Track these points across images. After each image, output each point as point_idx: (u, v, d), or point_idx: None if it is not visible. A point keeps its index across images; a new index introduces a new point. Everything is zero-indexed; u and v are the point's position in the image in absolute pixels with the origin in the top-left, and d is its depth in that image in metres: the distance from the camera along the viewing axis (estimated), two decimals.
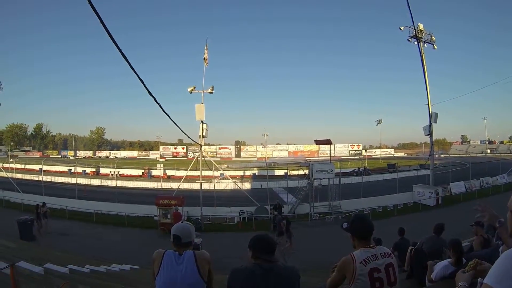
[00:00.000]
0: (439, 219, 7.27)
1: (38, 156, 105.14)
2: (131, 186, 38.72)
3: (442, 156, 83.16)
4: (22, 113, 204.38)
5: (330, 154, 35.93)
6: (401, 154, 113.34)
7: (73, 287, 6.06)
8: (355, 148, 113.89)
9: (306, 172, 26.05)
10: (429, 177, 27.44)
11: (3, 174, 34.25)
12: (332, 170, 23.68)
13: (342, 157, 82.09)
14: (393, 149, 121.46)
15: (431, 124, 26.99)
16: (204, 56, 23.51)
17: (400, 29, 26.86)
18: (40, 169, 39.47)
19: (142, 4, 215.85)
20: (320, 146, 30.63)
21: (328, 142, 27.02)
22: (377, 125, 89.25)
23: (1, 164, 39.15)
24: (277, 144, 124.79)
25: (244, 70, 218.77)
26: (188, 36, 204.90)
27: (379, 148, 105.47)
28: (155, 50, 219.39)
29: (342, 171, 28.81)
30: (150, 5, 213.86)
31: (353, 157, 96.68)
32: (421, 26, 26.98)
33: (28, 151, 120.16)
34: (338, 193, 24.12)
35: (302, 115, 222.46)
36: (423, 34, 27.23)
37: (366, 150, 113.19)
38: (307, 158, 71.90)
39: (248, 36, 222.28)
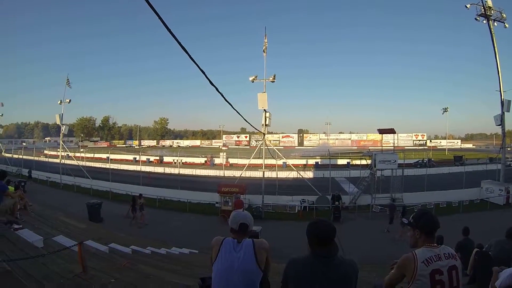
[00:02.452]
0: (509, 220, 6.49)
1: (106, 146, 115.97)
2: (194, 173, 40.54)
3: None
4: (91, 107, 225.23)
5: (394, 144, 34.47)
6: (469, 145, 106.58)
7: (134, 266, 6.35)
8: (420, 138, 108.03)
9: (369, 162, 25.94)
10: (500, 172, 25.23)
11: (74, 162, 37.90)
12: (395, 161, 23.00)
13: (406, 147, 79.08)
14: (460, 140, 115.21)
15: (503, 113, 24.65)
16: (264, 46, 23.82)
17: (467, 7, 24.44)
18: (108, 157, 42.91)
19: None
20: (383, 135, 30.12)
21: (391, 131, 26.11)
22: (443, 113, 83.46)
23: (73, 153, 43.38)
24: (339, 132, 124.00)
25: (307, 58, 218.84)
26: (250, 25, 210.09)
27: (445, 138, 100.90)
28: (217, 40, 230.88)
29: (405, 162, 27.55)
30: None
31: (417, 147, 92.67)
32: (489, 2, 24.25)
33: (97, 141, 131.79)
34: (400, 185, 23.47)
35: (366, 104, 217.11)
36: (492, 12, 24.44)
37: (431, 141, 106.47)
38: (370, 148, 72.10)
39: (310, 25, 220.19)
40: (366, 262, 9.63)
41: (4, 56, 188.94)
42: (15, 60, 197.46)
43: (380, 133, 28.57)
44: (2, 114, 53.49)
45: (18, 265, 3.81)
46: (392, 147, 30.79)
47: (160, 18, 4.00)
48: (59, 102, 35.64)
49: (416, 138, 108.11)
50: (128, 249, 8.39)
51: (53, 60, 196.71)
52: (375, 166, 22.74)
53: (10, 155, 51.21)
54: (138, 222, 17.67)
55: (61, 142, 38.48)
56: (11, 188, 9.94)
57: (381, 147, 30.53)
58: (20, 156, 43.12)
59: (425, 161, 46.00)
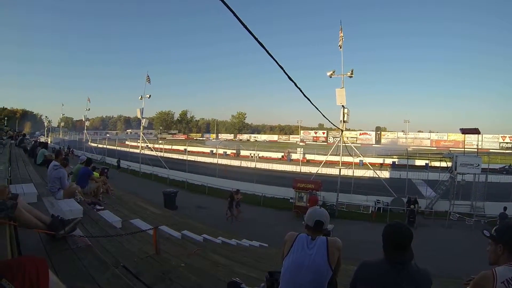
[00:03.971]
0: None
1: (183, 138, 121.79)
2: (270, 168, 41.52)
3: None
4: (170, 102, 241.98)
5: (477, 145, 31.25)
6: None
7: (205, 254, 6.63)
8: (507, 140, 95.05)
9: (449, 164, 24.26)
10: None
11: (153, 153, 41.10)
12: (478, 165, 21.07)
13: (491, 150, 70.86)
14: None
15: None
16: (340, 41, 23.91)
17: None
18: (185, 149, 45.28)
19: None
20: (466, 136, 28.83)
21: (475, 131, 24.19)
22: None
23: (152, 145, 46.89)
24: (418, 131, 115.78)
25: (385, 52, 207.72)
26: (325, 20, 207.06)
27: None
28: (294, 36, 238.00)
29: (489, 167, 24.98)
30: None
31: (504, 151, 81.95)
32: None
33: (175, 134, 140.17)
34: (483, 192, 21.50)
35: (446, 99, 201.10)
36: None
37: None
38: (450, 149, 68.10)
39: (387, 19, 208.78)
40: (438, 275, 9.01)
41: (90, 55, 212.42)
42: (100, 58, 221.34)
43: (462, 133, 26.71)
44: (89, 109, 62.72)
45: (98, 241, 4.21)
46: (476, 149, 28.42)
47: (236, 16, 4.11)
48: (140, 97, 39.02)
49: (503, 140, 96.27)
50: (199, 237, 8.81)
51: (135, 57, 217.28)
52: (455, 170, 21.25)
53: (95, 145, 57.97)
54: (235, 218, 17.97)
55: (141, 134, 41.88)
56: (96, 174, 11.07)
57: (463, 149, 28.47)
58: (104, 146, 47.97)
59: None
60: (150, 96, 39.09)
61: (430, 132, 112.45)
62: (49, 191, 6.45)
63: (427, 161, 42.14)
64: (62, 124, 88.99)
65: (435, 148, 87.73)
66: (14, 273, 1.65)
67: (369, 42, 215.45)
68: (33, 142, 20.06)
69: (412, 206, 19.55)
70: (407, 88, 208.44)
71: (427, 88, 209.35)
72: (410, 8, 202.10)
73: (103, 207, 7.80)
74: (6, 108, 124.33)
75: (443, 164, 29.29)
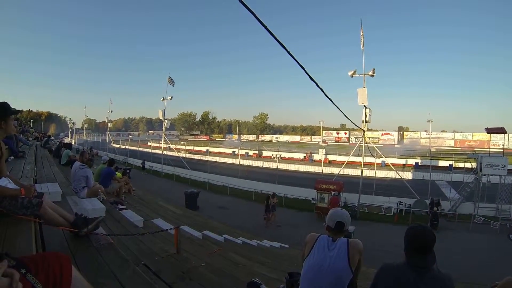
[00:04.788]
0: None
1: (205, 139, 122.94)
2: (292, 169, 41.41)
3: None
4: (192, 103, 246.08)
5: (503, 145, 30.21)
6: None
7: (225, 254, 6.68)
8: None
9: (474, 165, 23.72)
10: None
11: (175, 154, 41.63)
12: (504, 166, 20.53)
13: None
14: None
15: None
16: (361, 42, 24.16)
17: None
18: (207, 150, 45.70)
19: None
20: (492, 135, 28.07)
21: (501, 130, 23.74)
22: None
23: (174, 146, 47.62)
24: (442, 131, 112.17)
25: (408, 53, 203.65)
26: (345, 21, 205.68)
27: None
28: (316, 40, 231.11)
29: None
30: None
31: None
32: None
33: (197, 135, 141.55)
34: (509, 195, 20.94)
35: (471, 97, 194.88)
36: None
37: None
38: (475, 149, 66.19)
39: (411, 22, 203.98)
40: (461, 279, 8.79)
41: (112, 59, 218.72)
42: (122, 63, 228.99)
43: (488, 133, 26.22)
44: (111, 111, 65.79)
45: (120, 240, 4.31)
46: (502, 150, 27.60)
47: (257, 18, 4.15)
48: (161, 99, 39.66)
49: None
50: (220, 237, 8.90)
51: (157, 60, 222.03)
52: (480, 171, 20.79)
53: (118, 146, 59.77)
54: (271, 222, 17.48)
55: (163, 135, 42.62)
56: (118, 174, 11.34)
57: (488, 149, 27.88)
58: (127, 147, 49.08)
59: None
60: (172, 97, 39.73)
61: (454, 131, 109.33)
62: (73, 190, 6.63)
63: (451, 162, 41.50)
64: (86, 125, 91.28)
65: (459, 148, 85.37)
66: (39, 267, 1.71)
67: (391, 44, 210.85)
68: (58, 143, 20.57)
69: (435, 208, 19.16)
70: (431, 87, 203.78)
71: (451, 87, 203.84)
72: (434, 10, 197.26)
73: (125, 207, 7.99)
74: (32, 111, 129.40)
75: (468, 165, 28.65)
